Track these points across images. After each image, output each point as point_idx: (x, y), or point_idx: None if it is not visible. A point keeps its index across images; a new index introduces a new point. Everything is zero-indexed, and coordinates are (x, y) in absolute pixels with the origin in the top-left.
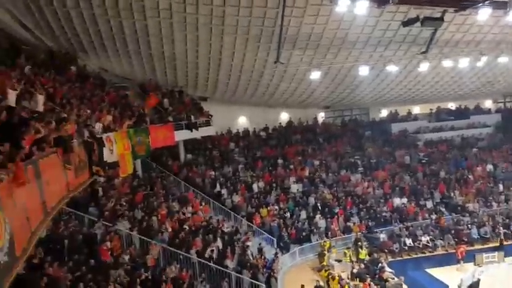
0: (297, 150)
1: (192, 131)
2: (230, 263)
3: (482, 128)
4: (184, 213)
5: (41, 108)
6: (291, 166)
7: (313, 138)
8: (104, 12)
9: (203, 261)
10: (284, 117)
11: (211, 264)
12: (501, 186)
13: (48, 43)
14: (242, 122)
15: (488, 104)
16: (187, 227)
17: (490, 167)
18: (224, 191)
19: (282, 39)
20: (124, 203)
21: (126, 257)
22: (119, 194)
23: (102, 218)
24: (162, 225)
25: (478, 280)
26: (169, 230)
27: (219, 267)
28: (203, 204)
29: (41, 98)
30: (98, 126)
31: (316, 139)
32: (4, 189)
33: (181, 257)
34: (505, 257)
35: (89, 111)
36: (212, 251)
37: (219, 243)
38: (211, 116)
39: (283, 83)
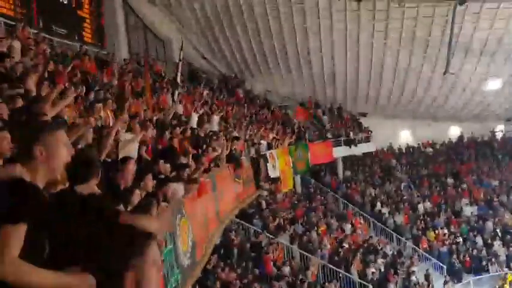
0: (471, 168)
1: (350, 147)
2: (393, 287)
3: None
4: (343, 231)
5: (216, 128)
6: (464, 186)
7: (490, 154)
8: (268, 35)
9: (364, 282)
10: (454, 131)
11: (371, 286)
12: None
13: (222, 69)
14: (405, 137)
15: None
16: (346, 245)
17: None
18: (385, 210)
19: (452, 48)
20: (285, 217)
21: (287, 269)
22: (280, 208)
23: (265, 230)
24: (322, 242)
25: None
26: (328, 246)
27: None
28: (362, 222)
29: (216, 119)
30: (263, 144)
31: (494, 155)
32: (189, 200)
33: (340, 275)
34: None
35: (255, 130)
36: (373, 272)
37: (381, 265)
38: (371, 131)
39: (454, 95)
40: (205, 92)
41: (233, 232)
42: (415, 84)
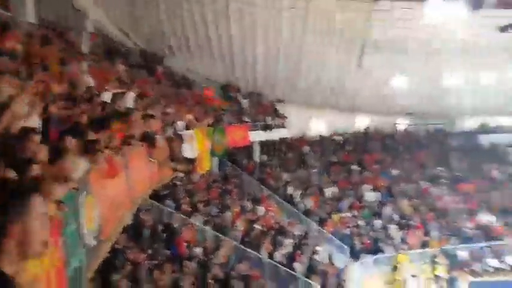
0: (375, 158)
1: (267, 132)
2: (299, 267)
3: None
4: (256, 213)
5: (131, 105)
6: (368, 174)
7: (393, 146)
8: (191, 15)
9: (273, 262)
10: (363, 122)
11: (281, 266)
12: None
13: (142, 45)
14: (318, 125)
15: None
16: (258, 227)
17: None
18: (297, 194)
19: (365, 43)
20: (200, 199)
21: (199, 250)
22: (195, 190)
23: (179, 211)
24: (235, 223)
25: None
26: (242, 228)
27: (288, 270)
28: (274, 205)
29: (132, 96)
30: (181, 124)
31: (396, 147)
32: (96, 177)
33: (251, 256)
34: None
35: (173, 109)
36: (282, 253)
37: (289, 246)
38: (286, 117)
39: (364, 88)
40: (122, 68)
41: (145, 212)
42: (330, 76)
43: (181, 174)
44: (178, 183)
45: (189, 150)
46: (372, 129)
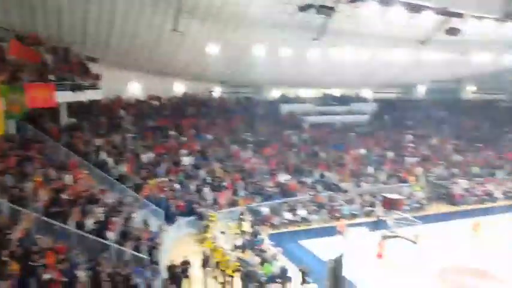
0: (191, 123)
1: (76, 92)
2: (112, 235)
3: (360, 115)
4: (63, 182)
5: None
6: (184, 139)
7: (207, 112)
8: None
9: (81, 232)
10: (179, 88)
11: (90, 236)
12: (371, 169)
13: None
14: (134, 88)
15: (366, 93)
16: (65, 197)
17: (363, 151)
18: (110, 160)
19: (180, 5)
20: None
21: None
22: None
23: None
24: (37, 194)
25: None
26: (45, 199)
27: (98, 239)
28: (85, 172)
29: None
30: None
31: (210, 113)
32: None
33: (57, 228)
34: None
35: None
36: (92, 222)
37: (100, 214)
38: (100, 78)
39: (180, 54)
40: None
41: None
42: (146, 36)
43: None
44: None
45: None
46: (188, 95)
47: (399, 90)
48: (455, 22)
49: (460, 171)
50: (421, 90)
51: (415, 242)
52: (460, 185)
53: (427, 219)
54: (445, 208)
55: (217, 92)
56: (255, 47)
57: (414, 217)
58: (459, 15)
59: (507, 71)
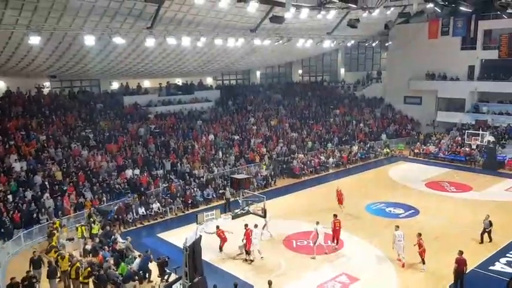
0: (19, 124)
1: None
2: None
3: (205, 102)
4: None
5: None
6: (12, 142)
7: (38, 110)
8: None
9: None
10: (0, 86)
11: None
12: (220, 153)
13: None
14: None
15: (209, 81)
16: None
17: (211, 137)
18: None
19: None
20: None
21: None
22: None
23: None
24: None
25: (200, 236)
26: None
27: None
28: None
29: None
30: None
31: (41, 111)
32: None
33: None
34: (221, 213)
35: None
36: None
37: None
38: None
39: None
40: None
41: None
42: None
43: None
44: None
45: None
46: (11, 93)
47: (239, 77)
48: (278, 11)
49: (296, 147)
50: (258, 76)
51: (264, 216)
52: (298, 159)
53: (272, 193)
54: (287, 181)
55: (47, 87)
56: (84, 38)
57: (261, 193)
58: (280, 4)
59: (327, 54)
